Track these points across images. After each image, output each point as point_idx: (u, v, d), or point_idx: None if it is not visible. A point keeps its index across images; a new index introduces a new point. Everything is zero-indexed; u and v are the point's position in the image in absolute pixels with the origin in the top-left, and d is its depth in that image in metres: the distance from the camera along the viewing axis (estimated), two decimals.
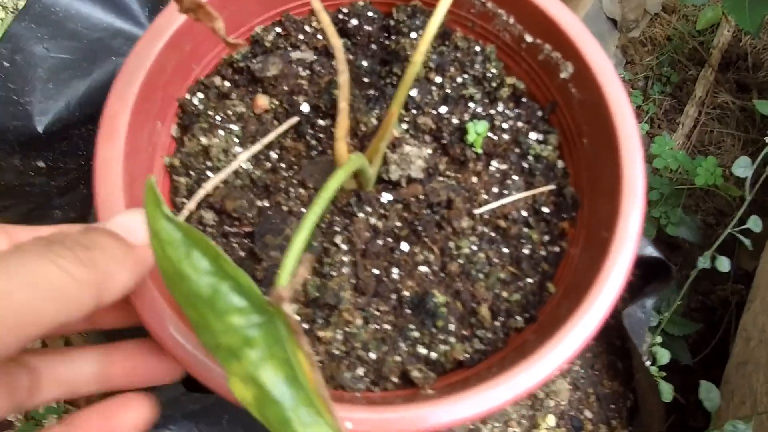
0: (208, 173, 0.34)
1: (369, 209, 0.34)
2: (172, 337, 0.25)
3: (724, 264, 0.72)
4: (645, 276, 0.59)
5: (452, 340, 0.32)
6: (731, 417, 0.66)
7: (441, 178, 0.35)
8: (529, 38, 0.35)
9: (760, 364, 0.70)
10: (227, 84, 0.36)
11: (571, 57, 0.34)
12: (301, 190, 0.34)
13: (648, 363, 0.60)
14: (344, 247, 0.33)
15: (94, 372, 0.25)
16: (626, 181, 0.30)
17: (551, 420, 0.51)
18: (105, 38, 0.44)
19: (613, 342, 0.56)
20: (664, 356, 0.63)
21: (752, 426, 0.52)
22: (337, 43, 0.26)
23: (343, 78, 0.26)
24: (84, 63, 0.43)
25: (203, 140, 0.34)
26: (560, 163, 0.36)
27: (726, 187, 0.87)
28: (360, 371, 0.30)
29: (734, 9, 0.92)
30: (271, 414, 0.21)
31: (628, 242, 0.29)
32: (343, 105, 0.27)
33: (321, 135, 0.36)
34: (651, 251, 0.56)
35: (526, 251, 0.34)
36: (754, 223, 0.70)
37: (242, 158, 0.34)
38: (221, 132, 0.34)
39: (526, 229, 0.35)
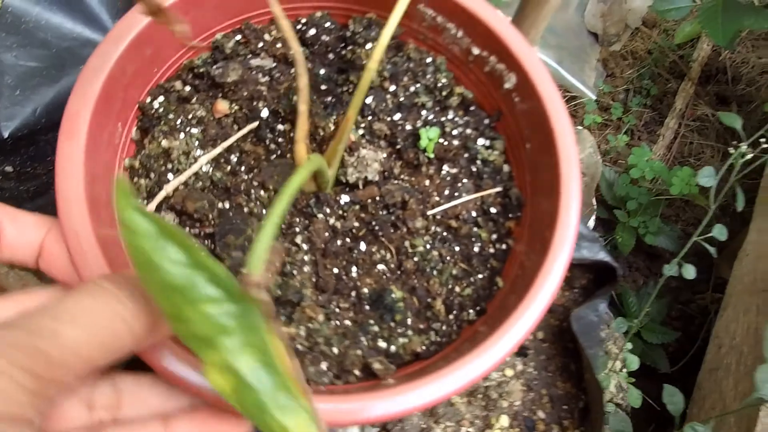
0: (169, 176, 0.34)
1: (328, 210, 0.35)
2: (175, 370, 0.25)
3: (689, 272, 0.73)
4: (597, 280, 0.63)
5: (410, 333, 0.33)
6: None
7: (396, 181, 0.37)
8: (476, 51, 0.38)
9: (730, 370, 0.74)
10: (188, 88, 0.36)
11: (514, 68, 0.36)
12: (262, 192, 0.35)
13: (619, 368, 0.63)
14: (305, 246, 0.34)
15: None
16: (564, 183, 0.33)
17: (504, 420, 0.53)
18: (74, 47, 0.45)
19: (566, 345, 0.59)
20: (633, 362, 0.64)
21: (712, 428, 0.55)
22: (297, 48, 0.28)
23: (303, 82, 0.27)
24: (53, 71, 0.44)
25: (164, 143, 0.34)
26: (506, 167, 0.39)
27: (695, 196, 0.91)
28: (323, 365, 0.31)
29: (708, 23, 0.96)
30: (248, 400, 0.22)
31: (567, 239, 0.32)
32: (303, 108, 0.28)
33: (280, 139, 0.37)
34: (603, 256, 0.60)
35: (476, 249, 0.37)
36: (719, 232, 0.72)
37: (203, 161, 0.35)
38: (182, 135, 0.35)
39: (475, 229, 0.37)
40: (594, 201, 0.78)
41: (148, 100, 0.35)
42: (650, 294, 0.77)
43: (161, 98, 0.35)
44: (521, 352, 0.55)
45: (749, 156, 0.75)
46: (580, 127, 0.78)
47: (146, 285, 0.21)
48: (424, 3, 0.38)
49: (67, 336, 0.20)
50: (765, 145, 0.75)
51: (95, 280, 0.22)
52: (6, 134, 0.42)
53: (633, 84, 1.29)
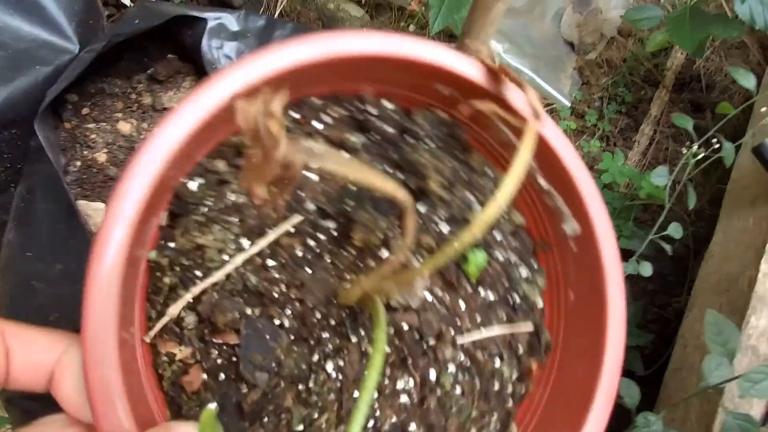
0: (197, 272, 0.30)
1: (362, 332, 0.33)
2: None
3: (646, 269, 0.77)
4: None
5: None
6: (668, 419, 0.74)
7: (433, 308, 0.35)
8: (541, 181, 0.36)
9: (693, 368, 0.79)
10: (229, 168, 0.31)
11: (578, 217, 0.35)
12: (297, 305, 0.32)
13: None
14: (333, 374, 0.32)
15: None
16: (608, 353, 0.33)
17: None
18: (31, 48, 0.44)
19: None
20: None
21: (662, 417, 0.59)
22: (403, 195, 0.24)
23: (409, 239, 0.24)
24: (7, 71, 0.42)
25: (198, 237, 0.30)
26: (540, 304, 0.38)
27: (654, 196, 0.94)
28: None
29: (676, 32, 0.98)
30: None
31: (602, 418, 0.32)
32: (399, 257, 0.25)
33: (322, 237, 0.33)
34: None
35: (495, 387, 0.36)
36: (674, 230, 0.76)
37: (239, 260, 0.31)
38: (217, 227, 0.30)
39: (499, 364, 0.36)
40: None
41: (185, 180, 0.30)
42: (635, 298, 0.81)
43: (200, 180, 0.30)
44: None
45: (701, 155, 0.80)
46: None
47: None
48: (500, 121, 0.34)
49: None
50: (716, 146, 0.81)
51: None
52: None
53: (608, 91, 1.31)
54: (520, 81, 0.31)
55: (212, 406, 0.29)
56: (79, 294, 0.23)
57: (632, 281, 0.87)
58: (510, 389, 0.36)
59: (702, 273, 0.92)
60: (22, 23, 0.43)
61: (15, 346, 0.23)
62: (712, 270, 0.90)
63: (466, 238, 0.27)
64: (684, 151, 0.88)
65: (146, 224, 0.27)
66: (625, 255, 1.07)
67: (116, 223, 0.24)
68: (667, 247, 0.77)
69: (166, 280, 0.29)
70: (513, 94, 0.32)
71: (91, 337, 0.23)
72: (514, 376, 0.36)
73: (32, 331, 0.24)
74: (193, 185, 0.30)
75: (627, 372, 0.91)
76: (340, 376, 0.32)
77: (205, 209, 0.30)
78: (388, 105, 0.35)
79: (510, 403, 0.36)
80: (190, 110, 0.26)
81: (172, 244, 0.30)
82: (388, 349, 0.33)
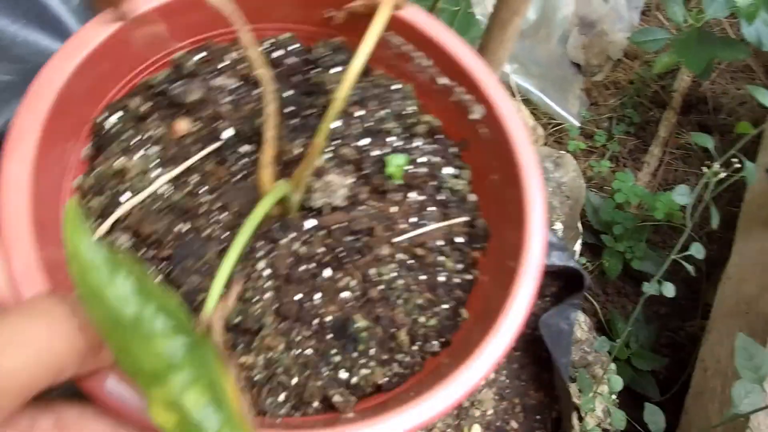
0: (124, 195, 0.32)
1: (292, 235, 0.34)
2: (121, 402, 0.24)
3: (669, 289, 0.73)
4: (567, 287, 0.63)
5: (372, 364, 0.32)
6: None
7: (362, 207, 0.36)
8: (443, 80, 0.38)
9: (715, 393, 0.74)
10: (147, 106, 0.35)
11: (481, 99, 0.37)
12: (223, 215, 0.34)
13: (606, 392, 0.63)
14: (267, 272, 0.33)
15: None
16: (528, 215, 0.33)
17: (477, 430, 0.53)
18: None
19: (539, 354, 0.58)
20: (617, 383, 0.64)
21: None
22: (265, 74, 0.27)
23: (271, 108, 0.26)
24: (25, 85, 0.44)
25: (119, 162, 0.32)
26: (472, 197, 0.39)
27: (675, 215, 0.93)
28: (281, 397, 0.30)
29: (683, 52, 1.00)
30: None
31: (532, 271, 0.32)
32: (270, 134, 0.28)
33: (244, 160, 0.36)
34: (572, 264, 0.61)
35: (441, 278, 0.36)
36: (697, 250, 0.73)
37: (161, 181, 0.33)
38: (138, 154, 0.33)
39: (441, 257, 0.37)
40: (579, 225, 0.79)
41: (104, 116, 0.33)
42: (648, 321, 0.78)
43: (117, 115, 0.34)
44: None
45: (722, 175, 0.77)
46: (563, 152, 0.80)
47: (92, 317, 0.19)
48: (393, 30, 0.37)
49: (2, 362, 0.19)
50: (737, 165, 0.78)
51: (32, 300, 0.21)
52: None
53: (616, 112, 1.34)
54: None
55: None
56: None
57: (644, 305, 0.86)
58: (457, 279, 0.36)
59: (719, 296, 0.90)
60: (40, 37, 0.44)
61: None
62: (729, 292, 0.87)
63: (322, 128, 0.29)
64: (696, 171, 0.87)
65: (59, 148, 0.30)
66: (639, 277, 1.05)
67: (15, 148, 0.27)
68: (690, 268, 0.75)
69: (94, 203, 0.32)
70: None
71: (14, 267, 0.25)
72: (459, 267, 0.37)
73: None
74: (111, 120, 0.34)
75: (642, 397, 0.87)
76: (269, 272, 0.33)
77: (125, 140, 0.33)
78: (291, 42, 0.39)
79: (459, 292, 0.36)
80: (79, 39, 0.30)
81: (95, 170, 0.32)
82: (321, 250, 0.34)
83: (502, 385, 0.56)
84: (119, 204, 0.32)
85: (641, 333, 0.94)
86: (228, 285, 0.21)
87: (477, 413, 0.53)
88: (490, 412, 0.54)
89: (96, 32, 0.30)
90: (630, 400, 0.66)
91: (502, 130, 0.36)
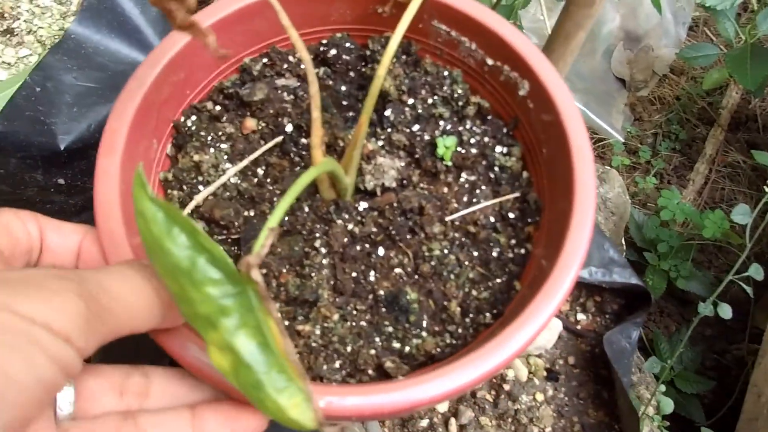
0: (200, 187, 0.37)
1: (347, 216, 0.36)
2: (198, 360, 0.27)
3: (726, 311, 0.69)
4: (628, 305, 0.61)
5: (424, 334, 0.34)
6: None
7: (414, 189, 0.38)
8: (490, 61, 0.39)
9: None
10: (218, 108, 0.39)
11: (527, 76, 0.37)
12: None
13: (652, 413, 0.59)
14: (323, 250, 0.35)
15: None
16: (578, 182, 0.33)
17: None
18: (128, 70, 0.49)
19: (599, 372, 0.56)
20: (667, 405, 0.61)
21: None
22: (306, 56, 0.30)
23: (314, 88, 0.29)
24: (107, 91, 0.48)
25: (195, 157, 0.37)
26: (524, 173, 0.39)
27: (729, 234, 0.87)
28: (337, 363, 0.32)
29: (736, 68, 0.96)
30: (245, 379, 0.23)
31: (582, 236, 0.31)
32: (316, 114, 0.30)
33: (303, 152, 0.39)
34: (635, 280, 0.58)
35: (494, 253, 0.37)
36: (756, 271, 0.69)
37: (230, 173, 0.37)
38: (211, 150, 0.38)
39: (494, 234, 0.37)
40: (623, 242, 0.76)
41: (182, 119, 0.38)
42: (682, 340, 0.72)
43: (194, 117, 0.38)
44: (552, 376, 0.53)
45: None
46: (608, 168, 0.77)
47: (157, 267, 0.23)
48: (437, 19, 0.39)
49: (112, 288, 0.23)
50: None
51: (117, 264, 0.25)
52: (62, 147, 0.46)
53: (661, 128, 1.28)
54: None
55: None
56: None
57: (688, 325, 0.79)
58: (510, 254, 0.37)
59: None
60: (121, 46, 0.49)
61: (48, 230, 0.29)
62: None
63: (366, 106, 0.31)
64: (744, 190, 0.81)
65: (143, 145, 0.35)
66: (682, 297, 0.98)
67: (109, 146, 0.32)
68: (748, 290, 0.70)
69: (175, 193, 0.36)
70: None
71: (106, 248, 0.30)
72: (512, 242, 0.37)
73: (61, 222, 0.30)
74: (188, 122, 0.38)
75: (686, 421, 0.80)
76: (326, 250, 0.35)
77: (200, 138, 0.38)
78: (345, 41, 0.42)
79: (513, 266, 0.36)
80: (159, 51, 0.34)
81: (176, 165, 0.37)
82: (374, 230, 0.36)
83: (560, 403, 0.54)
84: (196, 194, 0.36)
85: (686, 355, 0.88)
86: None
87: (535, 430, 0.51)
88: (548, 429, 0.52)
89: (173, 44, 0.35)
90: (674, 424, 0.61)
91: (550, 100, 0.36)
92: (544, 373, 0.53)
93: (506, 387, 0.51)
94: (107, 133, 0.32)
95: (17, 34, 0.57)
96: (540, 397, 0.52)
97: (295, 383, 0.23)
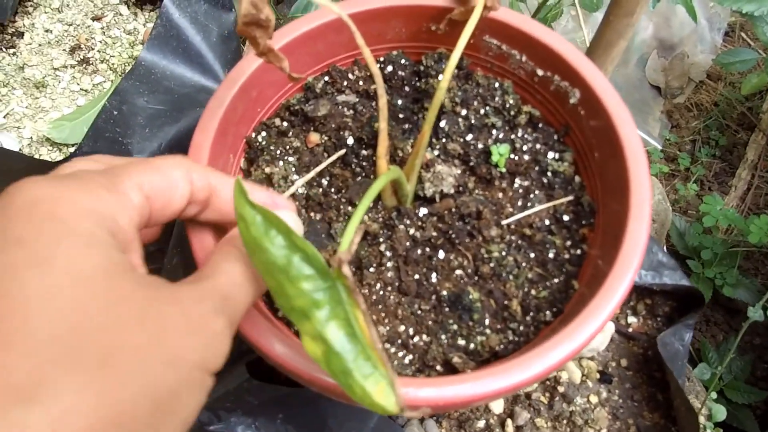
0: None
1: (408, 221, 0.39)
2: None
3: None
4: (679, 308, 0.61)
5: (488, 331, 0.35)
6: None
7: (471, 194, 0.40)
8: (540, 72, 0.41)
9: None
10: (285, 124, 0.42)
11: (578, 84, 0.39)
12: (349, 207, 0.39)
13: (702, 422, 0.59)
14: (388, 254, 0.37)
15: None
16: (633, 181, 0.34)
17: None
18: (192, 93, 0.54)
19: (652, 374, 0.57)
20: (719, 412, 0.60)
21: None
22: (376, 70, 0.32)
23: (382, 102, 0.32)
24: (174, 112, 0.52)
25: (266, 170, 0.40)
26: (576, 177, 0.40)
27: None
28: (407, 359, 0.34)
29: None
30: (335, 366, 0.25)
31: (639, 234, 0.33)
32: (383, 126, 0.33)
33: (364, 163, 0.41)
34: (686, 282, 0.58)
35: (550, 255, 0.38)
36: None
37: (299, 183, 0.40)
38: (280, 163, 0.41)
39: (549, 236, 0.39)
40: (665, 250, 0.76)
41: (253, 134, 0.41)
42: (730, 349, 0.71)
43: (264, 133, 0.42)
44: (606, 378, 0.53)
45: None
46: None
47: (256, 265, 0.25)
48: (489, 34, 0.41)
49: (233, 290, 0.25)
50: None
51: (220, 253, 0.27)
52: None
53: (700, 135, 1.27)
54: None
55: None
56: None
57: (736, 334, 0.77)
58: (567, 255, 0.38)
59: None
60: (185, 70, 0.53)
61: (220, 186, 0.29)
62: None
63: (428, 118, 0.33)
64: None
65: (222, 159, 0.38)
66: (727, 305, 0.96)
67: (196, 159, 0.35)
68: None
69: None
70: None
71: (197, 252, 0.33)
72: (568, 243, 0.38)
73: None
74: (259, 137, 0.41)
75: None
76: (390, 254, 0.37)
77: (270, 152, 0.41)
78: (400, 57, 0.45)
79: (569, 266, 0.37)
80: (235, 73, 0.38)
81: (249, 178, 0.40)
82: (434, 234, 0.38)
83: (615, 405, 0.54)
84: None
85: (735, 364, 0.86)
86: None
87: None
88: (603, 431, 0.53)
89: (247, 66, 0.38)
90: None
91: (601, 107, 0.37)
92: (597, 376, 0.53)
93: (560, 389, 0.52)
94: (193, 147, 0.35)
95: (92, 63, 0.62)
96: (594, 399, 0.53)
97: (379, 370, 0.25)
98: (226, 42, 0.60)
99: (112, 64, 0.62)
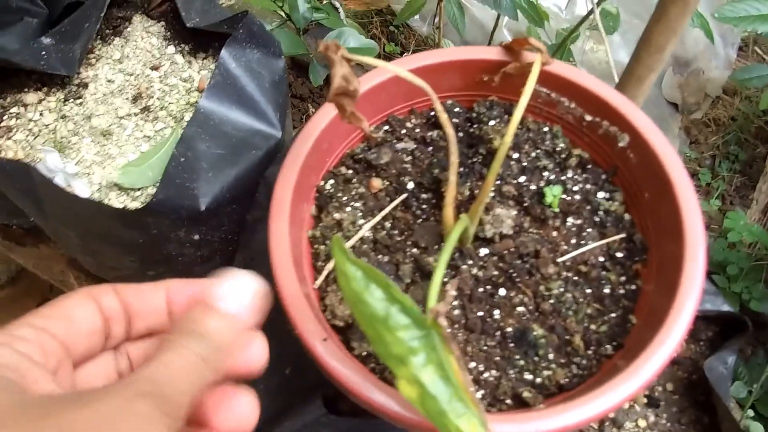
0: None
1: (470, 262, 0.41)
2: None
3: None
4: (722, 332, 0.62)
5: (553, 366, 0.38)
6: None
7: (527, 234, 0.43)
8: (588, 117, 0.44)
9: None
10: (350, 172, 0.45)
11: (626, 129, 0.41)
12: (414, 249, 0.42)
13: None
14: (453, 293, 0.40)
15: None
16: (687, 227, 0.37)
17: None
18: (247, 137, 0.57)
19: (697, 398, 0.58)
20: (758, 430, 0.61)
21: None
22: (450, 132, 0.35)
23: (454, 158, 0.35)
24: (233, 156, 0.55)
25: (335, 216, 0.43)
26: (627, 215, 0.43)
27: None
28: (479, 394, 0.37)
29: None
30: (430, 407, 0.28)
31: (696, 278, 0.35)
32: (453, 178, 0.36)
33: (424, 206, 0.44)
34: (727, 308, 0.60)
35: (606, 290, 0.40)
36: None
37: (366, 228, 0.43)
38: (348, 209, 0.44)
39: (604, 272, 0.41)
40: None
41: (322, 183, 0.44)
42: (760, 364, 0.72)
43: (331, 181, 0.45)
44: (653, 402, 0.55)
45: None
46: None
47: (357, 316, 0.28)
48: (539, 83, 0.44)
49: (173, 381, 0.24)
50: None
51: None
52: (203, 207, 0.54)
53: (719, 150, 1.28)
54: (528, 40, 0.41)
55: None
56: None
57: (765, 348, 0.78)
58: (622, 290, 0.40)
59: None
60: (239, 116, 0.56)
61: (127, 294, 0.28)
62: None
63: (493, 168, 0.36)
64: None
65: (299, 208, 0.41)
66: (756, 320, 0.96)
67: (278, 210, 0.39)
68: None
69: (321, 248, 0.42)
70: (527, 55, 0.42)
71: (285, 295, 0.36)
72: (622, 279, 0.41)
73: (137, 284, 0.28)
74: (327, 185, 0.45)
75: None
76: (455, 293, 0.40)
77: (338, 198, 0.44)
78: (454, 106, 0.48)
79: (625, 301, 0.40)
80: (310, 128, 0.41)
81: (321, 224, 0.43)
82: (495, 273, 0.41)
83: (663, 429, 0.56)
84: None
85: (765, 378, 0.85)
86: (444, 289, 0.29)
87: None
88: None
89: (320, 121, 0.41)
90: None
91: (651, 151, 0.40)
92: (645, 400, 0.55)
93: (610, 414, 0.54)
94: (275, 200, 0.38)
95: (153, 110, 0.66)
96: (643, 423, 0.54)
97: (471, 410, 0.27)
98: (277, 87, 0.64)
99: (171, 111, 0.66)
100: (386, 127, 0.47)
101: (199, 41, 0.68)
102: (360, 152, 0.46)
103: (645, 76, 0.54)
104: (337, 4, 1.13)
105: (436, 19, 1.17)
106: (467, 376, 0.27)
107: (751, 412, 0.63)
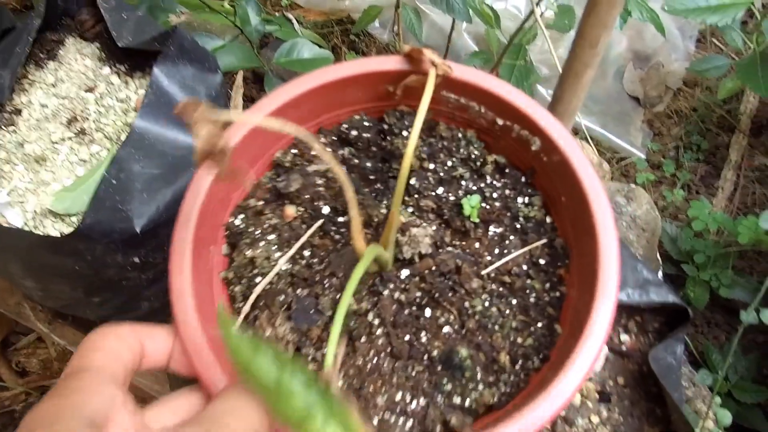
0: (257, 279, 0.41)
1: (391, 285, 0.40)
2: None
3: None
4: (669, 323, 0.63)
5: (480, 387, 0.37)
6: None
7: (448, 248, 0.41)
8: (500, 121, 0.42)
9: None
10: (261, 203, 0.43)
11: (536, 133, 0.40)
12: (334, 279, 0.41)
13: (711, 427, 0.60)
14: (376, 321, 0.39)
15: None
16: (598, 223, 0.36)
17: None
18: (186, 155, 0.55)
19: (649, 389, 0.58)
20: (725, 417, 0.61)
21: None
22: (339, 171, 0.33)
23: (350, 194, 0.33)
24: (170, 175, 0.54)
25: (248, 253, 0.41)
26: (548, 219, 0.42)
27: (764, 239, 0.87)
28: (407, 425, 0.36)
29: (748, 77, 0.97)
30: None
31: (611, 273, 0.34)
32: (353, 213, 0.34)
33: (342, 229, 0.42)
34: (672, 298, 0.60)
35: (531, 299, 0.40)
36: None
37: (282, 262, 0.41)
38: (261, 243, 0.42)
39: (528, 281, 0.40)
40: (658, 257, 0.77)
41: (231, 219, 0.42)
42: (746, 351, 0.73)
43: (241, 216, 0.43)
44: (604, 397, 0.55)
45: None
46: (633, 185, 0.79)
47: (248, 385, 0.27)
48: (445, 89, 0.43)
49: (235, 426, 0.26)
50: None
51: (233, 389, 0.28)
52: (138, 229, 0.52)
53: (682, 141, 1.30)
54: (421, 50, 0.39)
55: None
56: None
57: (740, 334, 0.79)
58: (547, 298, 0.39)
59: None
60: (177, 134, 0.55)
61: (146, 340, 0.32)
62: None
63: (398, 190, 0.34)
64: None
65: (204, 254, 0.39)
66: (728, 306, 0.97)
67: (178, 266, 0.36)
68: None
69: (237, 288, 0.40)
70: (426, 64, 0.40)
71: (186, 338, 0.34)
72: (547, 286, 0.40)
73: (155, 328, 0.33)
74: (237, 221, 0.42)
75: None
76: (378, 321, 0.39)
77: (250, 234, 0.42)
78: (363, 120, 0.46)
79: (550, 309, 0.39)
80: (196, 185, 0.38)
81: (233, 264, 0.41)
82: (418, 294, 0.40)
83: (616, 423, 0.56)
84: (254, 286, 0.40)
85: (740, 364, 0.88)
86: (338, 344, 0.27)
87: None
88: None
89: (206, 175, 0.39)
90: None
91: (561, 154, 0.39)
92: (596, 396, 0.55)
93: (561, 412, 0.54)
94: (174, 255, 0.36)
95: (88, 133, 0.62)
96: (595, 419, 0.55)
97: None
98: (214, 101, 0.62)
99: (107, 132, 0.62)
100: (294, 151, 0.45)
101: (136, 61, 0.65)
102: (268, 181, 0.44)
103: (582, 72, 0.52)
104: (291, 16, 1.10)
105: (395, 27, 1.15)
106: (369, 427, 0.26)
107: (719, 399, 0.63)
